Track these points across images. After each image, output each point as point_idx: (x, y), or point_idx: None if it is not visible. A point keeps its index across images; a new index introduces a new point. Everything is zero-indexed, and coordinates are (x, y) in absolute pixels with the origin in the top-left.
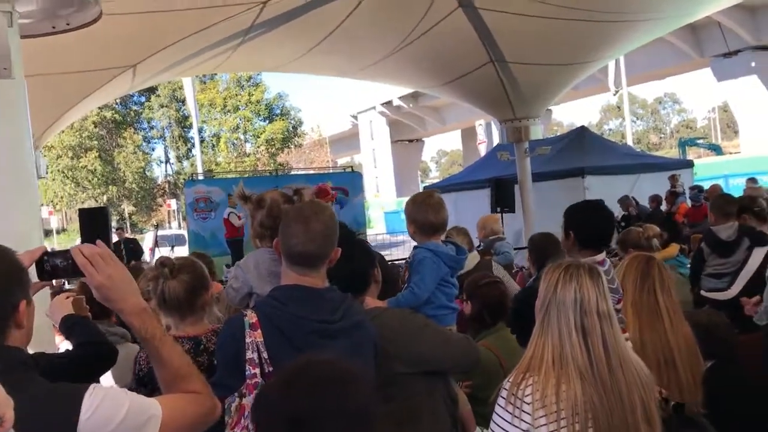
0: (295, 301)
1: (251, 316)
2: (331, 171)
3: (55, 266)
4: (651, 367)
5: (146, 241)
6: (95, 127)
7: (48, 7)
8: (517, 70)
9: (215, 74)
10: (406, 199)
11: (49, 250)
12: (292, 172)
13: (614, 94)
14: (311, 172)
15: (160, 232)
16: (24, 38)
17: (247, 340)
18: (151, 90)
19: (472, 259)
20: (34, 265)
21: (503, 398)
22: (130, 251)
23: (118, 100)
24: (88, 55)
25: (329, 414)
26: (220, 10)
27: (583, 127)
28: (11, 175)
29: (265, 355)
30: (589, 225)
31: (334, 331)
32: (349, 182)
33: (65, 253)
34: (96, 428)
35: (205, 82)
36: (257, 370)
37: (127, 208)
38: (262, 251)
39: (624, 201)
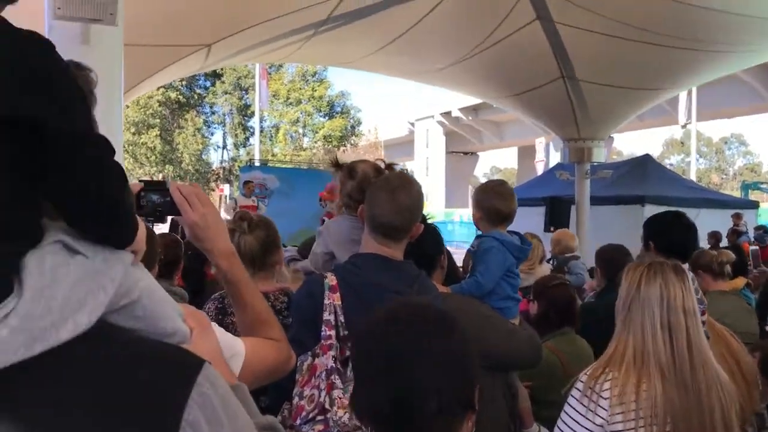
0: (374, 269)
1: (331, 279)
2: None
3: (152, 202)
4: None
5: None
6: (159, 106)
7: None
8: (587, 90)
9: (281, 66)
10: (454, 210)
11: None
12: None
13: (683, 127)
14: None
15: None
16: None
17: (326, 301)
18: (217, 76)
19: (543, 273)
20: None
21: (579, 390)
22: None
23: (184, 82)
24: (165, 29)
25: (430, 354)
26: None
27: (647, 155)
28: (102, 123)
29: (341, 318)
30: (670, 234)
31: None
32: None
33: (163, 191)
34: None
35: (270, 73)
36: (332, 332)
37: None
38: (343, 218)
39: (713, 236)
